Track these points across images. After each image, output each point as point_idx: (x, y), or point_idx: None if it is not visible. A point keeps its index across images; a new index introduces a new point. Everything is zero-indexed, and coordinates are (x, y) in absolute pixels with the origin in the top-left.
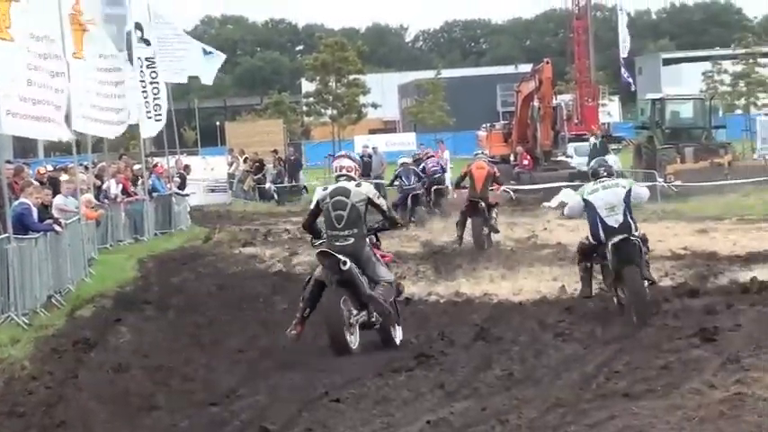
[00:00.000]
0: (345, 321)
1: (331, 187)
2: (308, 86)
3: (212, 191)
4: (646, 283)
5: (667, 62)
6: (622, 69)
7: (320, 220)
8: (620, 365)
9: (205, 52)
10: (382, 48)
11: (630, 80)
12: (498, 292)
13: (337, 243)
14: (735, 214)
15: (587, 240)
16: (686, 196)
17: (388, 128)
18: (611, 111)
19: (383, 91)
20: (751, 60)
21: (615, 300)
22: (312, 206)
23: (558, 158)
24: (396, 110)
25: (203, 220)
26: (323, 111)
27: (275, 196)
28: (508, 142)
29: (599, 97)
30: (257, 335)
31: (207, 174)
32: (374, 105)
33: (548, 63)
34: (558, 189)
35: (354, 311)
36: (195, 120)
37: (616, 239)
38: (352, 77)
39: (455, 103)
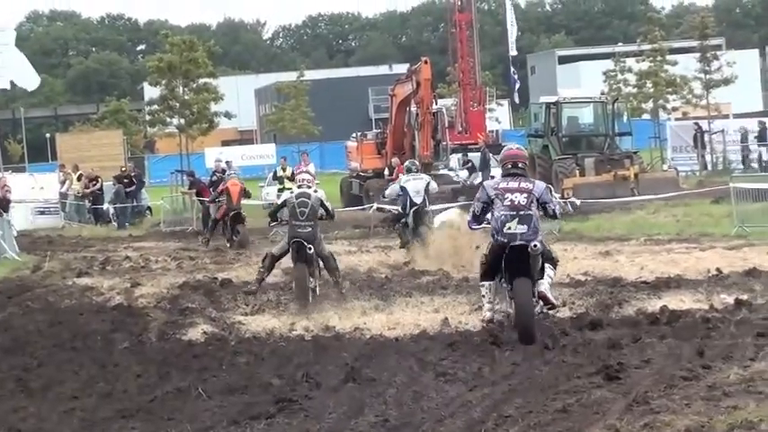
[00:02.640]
0: (308, 286)
1: (296, 191)
2: (151, 92)
3: (42, 213)
4: None
5: (563, 60)
6: (511, 70)
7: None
8: (511, 409)
9: None
10: (236, 47)
11: (515, 78)
12: (371, 326)
13: (299, 230)
14: (642, 234)
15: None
16: (587, 214)
17: (244, 138)
18: (499, 116)
19: (238, 96)
20: (659, 57)
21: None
22: (279, 202)
23: (440, 172)
24: (253, 118)
25: (32, 247)
26: (168, 120)
27: (113, 219)
28: (382, 154)
29: (486, 101)
30: (94, 378)
31: (35, 193)
32: (228, 115)
33: (426, 62)
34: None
35: (311, 279)
36: (21, 131)
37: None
38: (202, 81)
39: (321, 109)
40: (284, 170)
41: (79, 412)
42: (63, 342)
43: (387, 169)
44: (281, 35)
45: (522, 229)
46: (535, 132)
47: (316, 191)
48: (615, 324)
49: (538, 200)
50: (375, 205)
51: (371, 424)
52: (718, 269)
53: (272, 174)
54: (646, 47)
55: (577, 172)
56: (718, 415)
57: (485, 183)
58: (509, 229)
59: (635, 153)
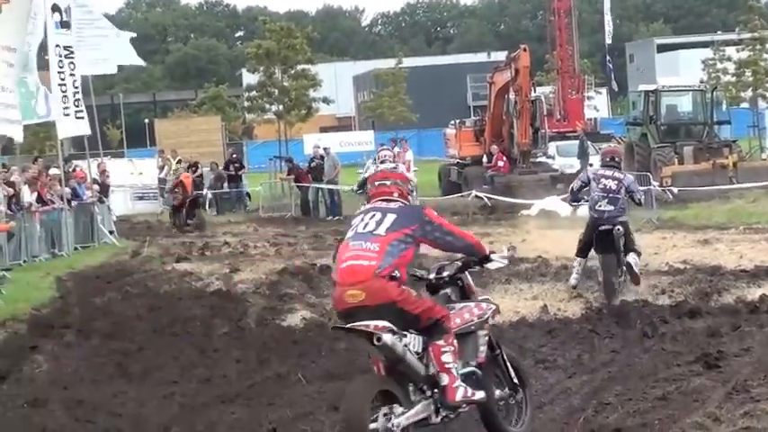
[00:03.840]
0: None
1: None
2: (249, 78)
3: (140, 198)
4: None
5: (662, 48)
6: (607, 58)
7: None
8: (610, 396)
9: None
10: (335, 33)
11: (611, 66)
12: None
13: None
14: (741, 222)
15: None
16: (685, 202)
17: (342, 125)
18: (597, 104)
19: (336, 83)
20: (758, 46)
21: None
22: (365, 175)
23: (539, 159)
24: (351, 104)
25: (131, 233)
26: (267, 106)
27: (212, 205)
28: (480, 141)
29: (584, 89)
30: (194, 363)
31: (134, 179)
32: (326, 101)
33: (525, 50)
34: (539, 194)
35: None
36: (120, 117)
37: None
38: (300, 68)
39: (419, 96)
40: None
41: (179, 397)
42: (162, 327)
43: (485, 156)
44: (379, 22)
45: (610, 208)
46: (634, 120)
47: (396, 167)
48: (714, 312)
49: (626, 188)
50: (474, 192)
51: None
52: None
53: (371, 161)
54: (745, 35)
55: (676, 160)
56: None
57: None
58: (600, 206)
59: (734, 142)
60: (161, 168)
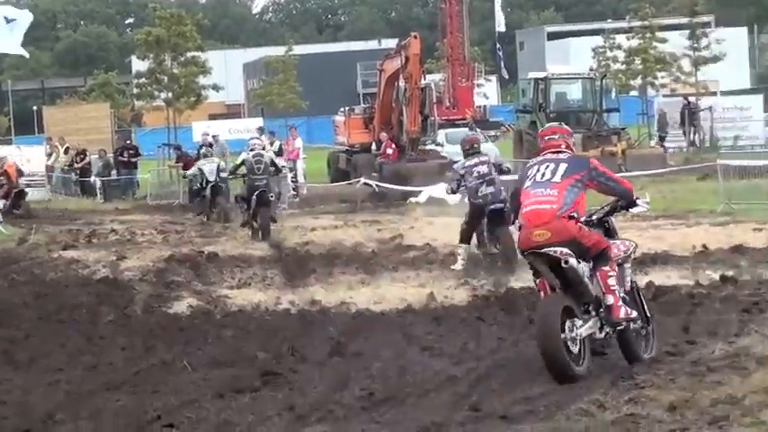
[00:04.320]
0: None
1: (252, 152)
2: (139, 65)
3: (28, 186)
4: None
5: (553, 36)
6: (497, 46)
7: None
8: (496, 384)
9: (7, 20)
10: (225, 21)
11: (500, 54)
12: (357, 301)
13: (258, 182)
14: None
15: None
16: None
17: (231, 112)
18: (487, 92)
19: (226, 70)
20: (648, 34)
21: None
22: (238, 162)
23: (428, 147)
24: (240, 92)
25: (17, 220)
26: (156, 93)
27: (100, 192)
28: (370, 129)
29: (474, 77)
30: (80, 351)
31: (22, 166)
32: (215, 87)
33: (415, 38)
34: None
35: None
36: (8, 104)
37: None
38: (190, 55)
39: (309, 83)
40: (272, 144)
41: (64, 385)
42: (49, 315)
43: (374, 144)
44: (270, 9)
45: (491, 189)
46: (523, 108)
47: (267, 151)
48: None
49: (494, 165)
50: (362, 180)
51: (357, 397)
52: (704, 245)
53: (245, 150)
54: (635, 24)
55: None
56: (702, 390)
57: (454, 166)
58: (481, 192)
59: (623, 129)
60: (49, 156)
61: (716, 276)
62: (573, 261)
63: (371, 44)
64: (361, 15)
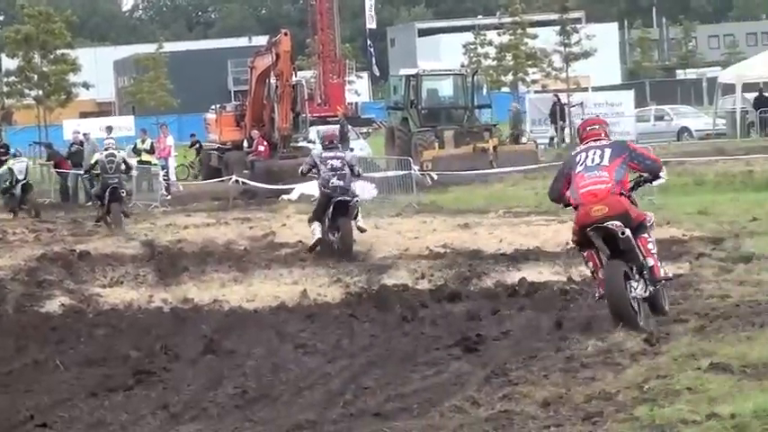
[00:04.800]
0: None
1: (105, 153)
2: (8, 63)
3: None
4: None
5: (423, 33)
6: (368, 43)
7: None
8: (369, 381)
9: None
10: (95, 18)
11: (371, 51)
12: (230, 298)
13: (110, 180)
14: (501, 206)
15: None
16: (446, 186)
17: (102, 110)
18: (359, 89)
19: (97, 68)
20: (519, 31)
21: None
22: (92, 162)
23: (299, 144)
24: (111, 90)
25: None
26: (26, 91)
27: None
28: (241, 126)
29: (345, 74)
30: None
31: None
32: (86, 85)
33: (286, 35)
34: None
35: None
36: None
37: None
38: (60, 53)
39: (180, 81)
40: (143, 142)
41: None
42: None
43: (246, 141)
44: (140, 7)
45: (340, 183)
46: (395, 105)
47: (120, 151)
48: (474, 296)
49: (348, 164)
50: (234, 177)
51: (230, 396)
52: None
53: (131, 146)
54: (506, 20)
55: (437, 144)
56: (575, 386)
57: (312, 152)
58: (332, 183)
59: (494, 126)
60: None
61: (588, 272)
62: (628, 231)
63: (242, 41)
64: (232, 12)
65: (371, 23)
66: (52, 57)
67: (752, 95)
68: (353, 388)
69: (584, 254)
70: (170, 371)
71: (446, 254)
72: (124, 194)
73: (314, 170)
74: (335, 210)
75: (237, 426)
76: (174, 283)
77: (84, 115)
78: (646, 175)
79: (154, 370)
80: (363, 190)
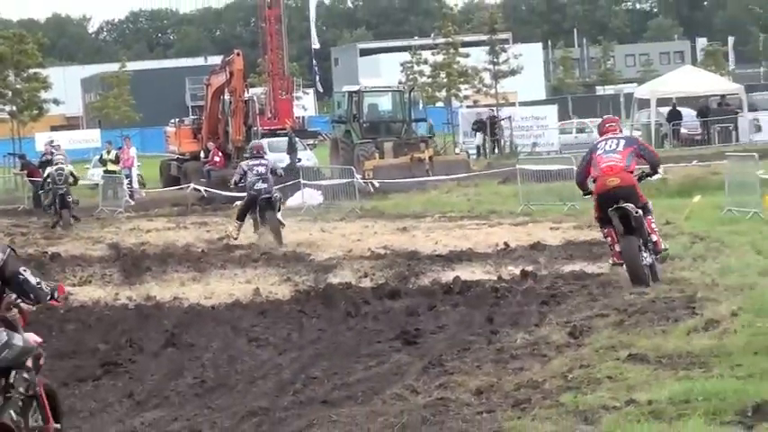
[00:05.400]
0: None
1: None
2: None
3: None
4: None
5: (365, 52)
6: (314, 62)
7: None
8: (318, 371)
9: None
10: (64, 39)
11: (317, 75)
12: (189, 296)
13: (59, 190)
14: (436, 211)
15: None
16: (386, 193)
17: (71, 124)
18: (305, 104)
19: (66, 85)
20: (452, 50)
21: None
22: (45, 175)
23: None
24: (79, 105)
25: None
26: (1, 107)
27: None
28: (198, 138)
29: (293, 90)
30: None
31: None
32: (56, 101)
33: (238, 54)
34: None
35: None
36: None
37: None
38: (32, 71)
39: (142, 97)
40: (108, 153)
41: None
42: None
43: (203, 152)
44: (105, 29)
45: (265, 185)
46: (339, 118)
47: (67, 165)
48: (412, 293)
49: (272, 169)
50: (192, 185)
51: (190, 385)
52: (505, 243)
53: (97, 157)
54: (440, 40)
55: (377, 155)
56: (506, 376)
57: (240, 164)
58: (257, 186)
59: (430, 138)
60: None
61: (517, 271)
62: (640, 212)
63: (198, 61)
64: (189, 34)
65: (316, 44)
66: (25, 75)
67: (665, 109)
68: (303, 378)
69: (605, 230)
70: (135, 362)
71: (386, 255)
72: (71, 202)
73: (243, 178)
74: (261, 207)
75: (197, 412)
76: (137, 282)
77: (54, 129)
78: (647, 169)
79: (120, 362)
80: (310, 196)
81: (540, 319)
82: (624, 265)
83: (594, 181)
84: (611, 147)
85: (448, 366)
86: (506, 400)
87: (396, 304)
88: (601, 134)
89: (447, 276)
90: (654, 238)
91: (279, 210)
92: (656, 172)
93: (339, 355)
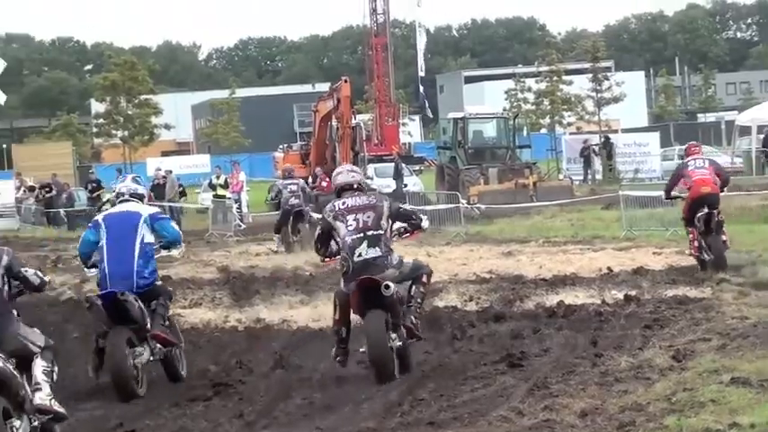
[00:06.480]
0: None
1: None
2: (97, 107)
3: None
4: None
5: (469, 80)
6: (420, 89)
7: None
8: (424, 393)
9: None
10: (175, 66)
11: (424, 96)
12: (298, 319)
13: None
14: (540, 236)
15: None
16: (491, 218)
17: (181, 149)
18: (411, 130)
19: (176, 111)
20: (555, 78)
21: None
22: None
23: None
24: (189, 131)
25: None
26: (114, 132)
27: (65, 220)
28: (306, 164)
29: (399, 117)
30: None
31: None
32: (167, 126)
33: (346, 81)
34: None
35: None
36: None
37: None
38: (143, 97)
39: (251, 123)
40: (218, 178)
41: None
42: None
43: (310, 177)
44: (214, 56)
45: (297, 201)
46: (444, 145)
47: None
48: (517, 317)
49: (301, 187)
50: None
51: (298, 406)
52: (609, 268)
53: (207, 182)
54: (543, 68)
55: (482, 180)
56: (610, 398)
57: (277, 182)
58: (291, 201)
59: (534, 164)
60: (18, 189)
61: (620, 296)
62: (721, 216)
63: (306, 87)
64: (297, 62)
65: (422, 72)
66: (137, 101)
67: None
68: (410, 399)
69: (689, 229)
70: (245, 383)
71: (491, 279)
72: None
73: (278, 195)
74: (294, 218)
75: None
76: (247, 305)
77: (165, 154)
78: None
79: (230, 383)
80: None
81: (644, 343)
82: (713, 256)
83: (688, 189)
84: (699, 165)
85: (553, 389)
86: (611, 423)
87: (501, 327)
88: (687, 155)
89: (551, 300)
90: (724, 237)
91: (308, 222)
92: (722, 190)
93: (445, 377)
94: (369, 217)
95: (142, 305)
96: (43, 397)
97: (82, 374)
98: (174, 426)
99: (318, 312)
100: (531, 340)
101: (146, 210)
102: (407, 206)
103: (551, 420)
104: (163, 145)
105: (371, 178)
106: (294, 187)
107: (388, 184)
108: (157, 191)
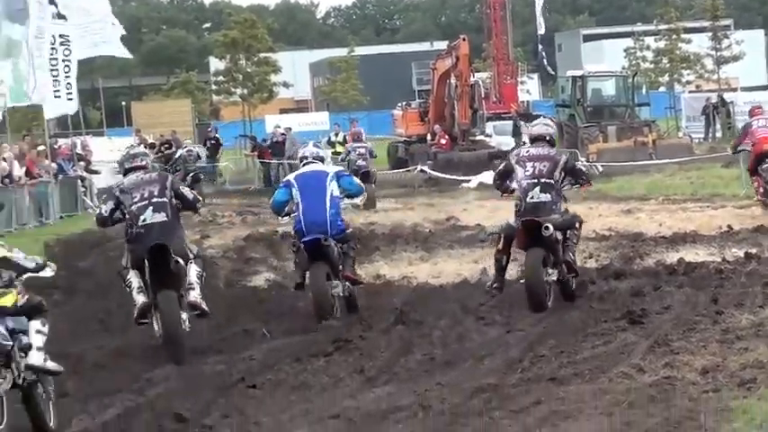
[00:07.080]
0: None
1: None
2: (216, 65)
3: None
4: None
5: (588, 38)
6: (539, 47)
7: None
8: (545, 349)
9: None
10: (293, 25)
11: (543, 54)
12: (418, 275)
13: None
14: (660, 194)
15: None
16: (610, 176)
17: (300, 107)
18: (530, 89)
19: (295, 69)
20: (674, 36)
21: None
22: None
23: (477, 137)
24: (308, 89)
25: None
26: (233, 90)
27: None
28: (425, 121)
29: (518, 75)
30: None
31: (114, 155)
32: (286, 84)
33: (464, 40)
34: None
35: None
36: (100, 100)
37: None
38: (262, 56)
39: (369, 81)
40: (336, 135)
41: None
42: None
43: (429, 135)
44: (332, 15)
45: (364, 163)
46: (563, 103)
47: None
48: (637, 274)
49: (369, 149)
50: (419, 167)
51: (419, 362)
52: (729, 226)
53: (326, 139)
54: (662, 27)
55: (601, 138)
56: (731, 356)
57: (346, 145)
58: (358, 163)
59: (653, 122)
60: (138, 145)
61: (740, 253)
62: None
63: (424, 46)
64: (415, 20)
65: (541, 30)
66: (256, 59)
67: None
68: (530, 355)
69: (753, 178)
70: (365, 339)
71: (611, 236)
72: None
73: (346, 157)
74: (362, 179)
75: (427, 388)
76: (367, 262)
77: (283, 111)
78: None
79: (351, 338)
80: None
81: (765, 301)
82: None
83: (753, 145)
84: (762, 124)
85: (673, 346)
86: (732, 380)
87: (621, 285)
88: (751, 116)
89: (671, 258)
90: None
91: (374, 183)
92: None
93: (566, 333)
94: (545, 166)
95: (338, 249)
96: (195, 295)
97: (204, 329)
98: (294, 381)
99: (438, 269)
100: (652, 297)
101: (331, 168)
102: (581, 165)
103: (672, 377)
104: (281, 103)
105: (490, 135)
106: (363, 150)
107: (507, 142)
108: (276, 148)
